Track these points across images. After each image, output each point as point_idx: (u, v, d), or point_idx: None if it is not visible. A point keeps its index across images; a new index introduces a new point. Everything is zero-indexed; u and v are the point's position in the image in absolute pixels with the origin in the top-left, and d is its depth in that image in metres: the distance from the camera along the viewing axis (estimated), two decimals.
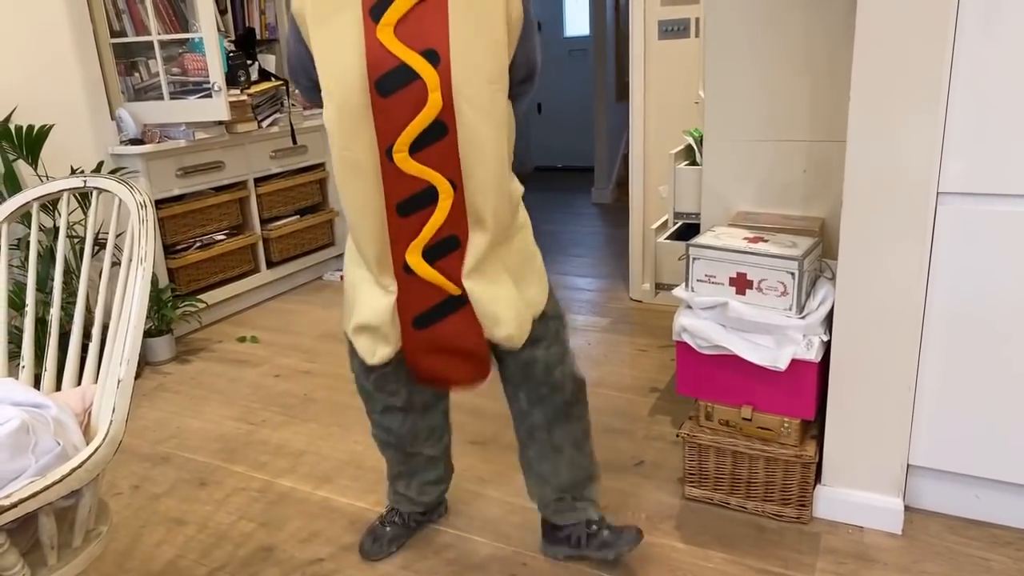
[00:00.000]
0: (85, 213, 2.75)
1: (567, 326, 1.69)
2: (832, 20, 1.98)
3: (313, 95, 1.43)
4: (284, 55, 1.60)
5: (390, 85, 1.30)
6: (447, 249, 1.44)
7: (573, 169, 7.34)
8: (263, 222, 3.84)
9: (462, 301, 1.47)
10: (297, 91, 1.54)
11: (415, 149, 1.34)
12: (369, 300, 1.52)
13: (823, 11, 1.99)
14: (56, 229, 2.76)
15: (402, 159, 1.35)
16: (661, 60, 3.39)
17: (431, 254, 1.43)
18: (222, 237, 3.62)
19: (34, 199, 1.63)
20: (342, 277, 4.20)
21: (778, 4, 2.04)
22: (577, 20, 7.25)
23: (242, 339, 3.41)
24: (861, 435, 1.88)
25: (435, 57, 1.30)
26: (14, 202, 1.63)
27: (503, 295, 1.49)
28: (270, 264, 3.90)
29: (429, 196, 1.38)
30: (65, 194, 1.63)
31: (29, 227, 2.15)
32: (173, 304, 3.21)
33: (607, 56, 5.92)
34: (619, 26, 6.17)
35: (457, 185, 1.38)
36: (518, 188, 1.54)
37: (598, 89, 5.93)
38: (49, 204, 2.75)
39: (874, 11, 1.61)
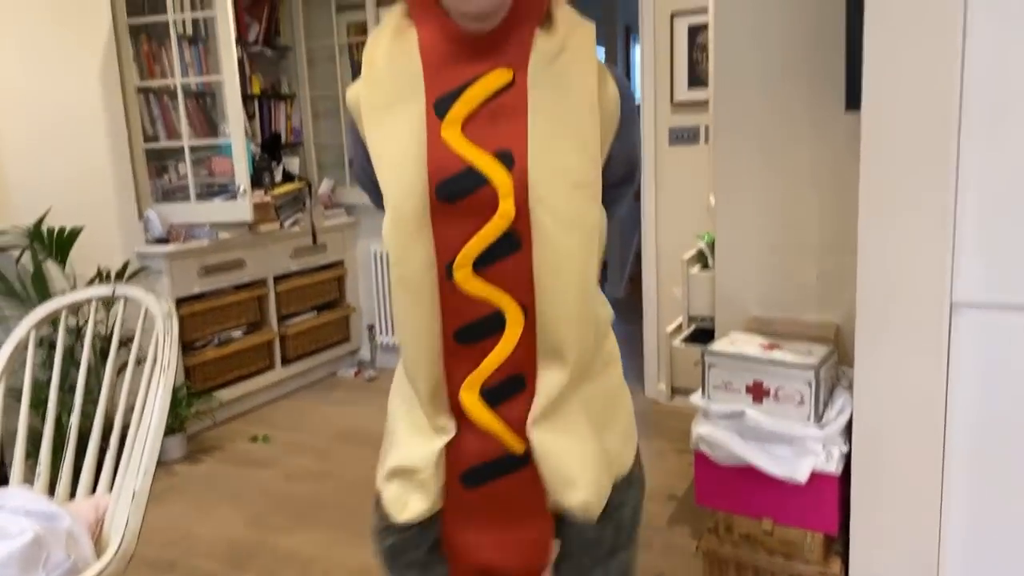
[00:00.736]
0: (107, 312, 2.81)
1: (644, 497, 1.33)
2: (836, 139, 2.05)
3: (378, 199, 1.19)
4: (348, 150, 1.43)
5: (454, 191, 1.08)
6: (511, 391, 1.15)
7: None
8: (280, 319, 3.89)
9: (524, 460, 1.15)
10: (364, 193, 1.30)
11: (480, 266, 1.10)
12: (413, 440, 1.21)
13: (826, 131, 2.06)
14: (79, 330, 2.80)
15: (464, 277, 1.10)
16: (672, 165, 3.49)
17: (492, 396, 1.14)
18: (239, 334, 3.66)
19: (64, 306, 1.67)
20: (356, 373, 4.21)
21: (781, 122, 2.12)
22: None
23: (254, 439, 3.39)
24: (888, 553, 1.82)
25: (509, 159, 1.07)
26: (44, 309, 1.67)
27: (580, 449, 1.16)
28: (285, 361, 3.92)
29: (494, 323, 1.13)
30: (93, 302, 1.67)
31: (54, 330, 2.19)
32: (188, 402, 3.22)
33: None
34: None
35: (529, 311, 1.12)
36: (607, 313, 1.25)
37: None
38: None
39: (880, 120, 1.67)
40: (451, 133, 1.08)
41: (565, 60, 1.08)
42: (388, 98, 1.11)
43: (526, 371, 1.13)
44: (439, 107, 1.08)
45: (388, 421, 1.29)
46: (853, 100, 1.74)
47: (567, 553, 1.26)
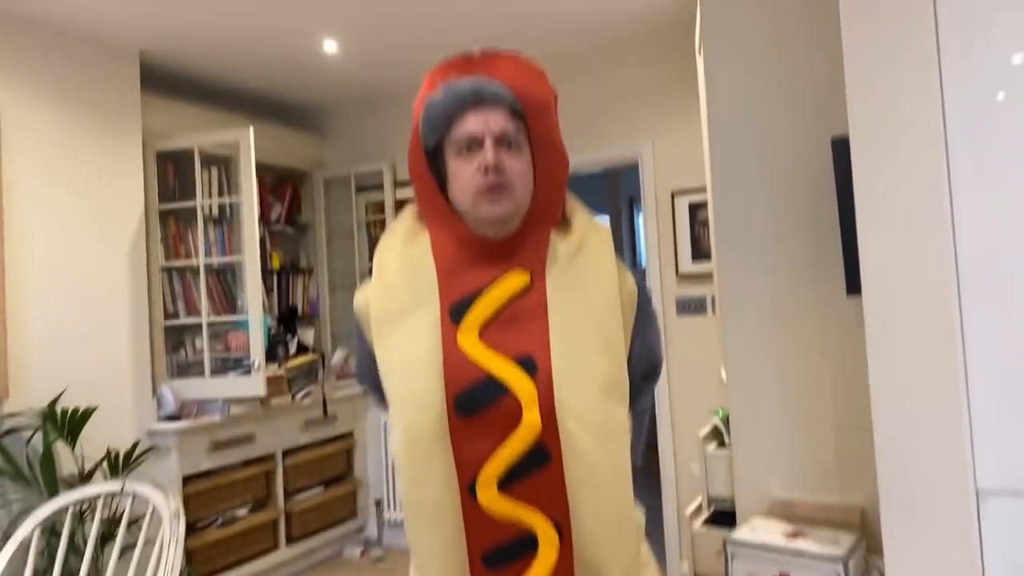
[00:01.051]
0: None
1: None
2: (842, 318, 2.08)
3: (382, 402, 1.14)
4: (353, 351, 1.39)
5: (474, 403, 1.01)
6: None
7: None
8: (287, 495, 3.79)
9: None
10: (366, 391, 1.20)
11: (507, 483, 1.01)
12: None
13: (830, 311, 2.10)
14: (81, 514, 2.74)
15: (489, 497, 1.00)
16: (681, 335, 3.53)
17: None
18: (244, 512, 3.55)
19: (71, 503, 1.65)
20: (362, 553, 4.04)
21: (786, 301, 2.17)
22: None
23: None
24: None
25: (532, 365, 1.01)
26: (50, 507, 1.64)
27: None
28: (290, 540, 3.78)
29: (526, 545, 1.01)
30: (101, 498, 1.65)
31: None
32: None
33: None
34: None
35: (564, 529, 1.01)
36: (641, 519, 1.17)
37: None
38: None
39: (881, 307, 1.70)
40: (468, 340, 1.03)
41: (583, 261, 1.09)
42: (400, 306, 1.07)
43: (545, 513, 1.02)
44: (454, 313, 1.04)
45: None
46: (853, 286, 1.79)
47: None
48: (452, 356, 1.02)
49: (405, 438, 1.03)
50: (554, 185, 1.10)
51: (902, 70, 1.66)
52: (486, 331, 1.04)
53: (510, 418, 1.00)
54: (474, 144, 1.05)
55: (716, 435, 2.53)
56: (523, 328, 1.04)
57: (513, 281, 1.06)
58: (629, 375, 1.10)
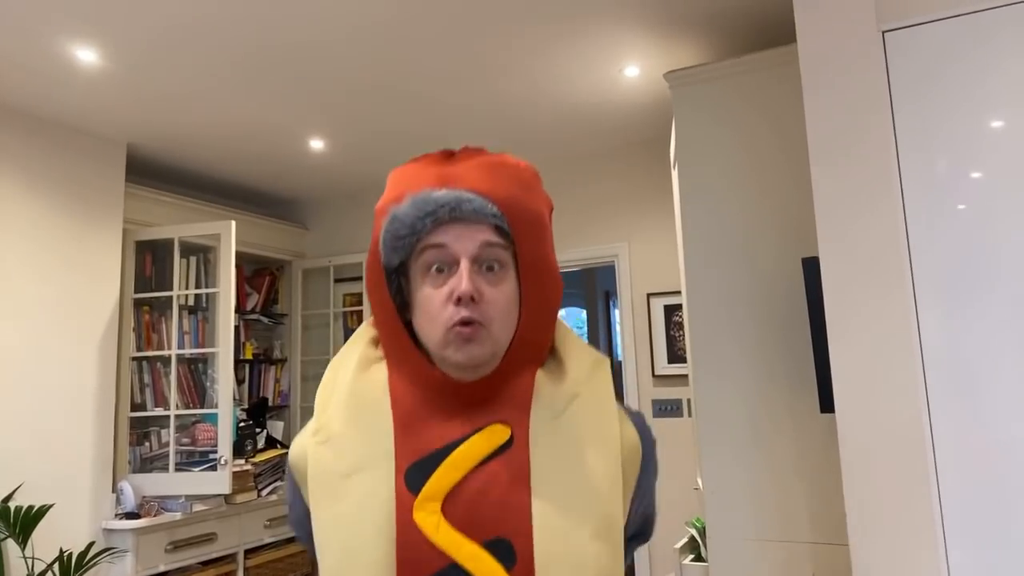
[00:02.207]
0: None
1: None
2: (816, 435, 2.10)
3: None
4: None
5: None
6: None
7: None
8: None
9: None
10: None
11: None
12: None
13: (805, 427, 2.12)
14: None
15: None
16: (657, 437, 3.51)
17: None
18: None
19: None
20: None
21: (761, 416, 2.18)
22: None
23: None
24: None
25: (509, 552, 0.78)
26: None
27: None
28: None
29: None
30: None
31: None
32: None
33: None
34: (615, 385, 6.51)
35: None
36: None
37: None
38: None
39: (854, 428, 1.71)
40: (428, 516, 0.79)
41: (577, 411, 0.84)
42: (345, 465, 0.82)
43: None
44: (412, 478, 0.80)
45: None
46: (826, 403, 1.81)
47: None
48: (407, 538, 0.78)
49: None
50: (544, 316, 0.87)
51: (867, 195, 1.73)
52: (452, 504, 0.79)
53: None
54: (446, 267, 0.83)
55: (693, 547, 2.49)
56: (500, 502, 0.79)
57: (489, 438, 0.81)
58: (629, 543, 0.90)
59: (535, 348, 0.86)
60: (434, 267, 0.83)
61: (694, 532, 2.46)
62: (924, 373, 1.68)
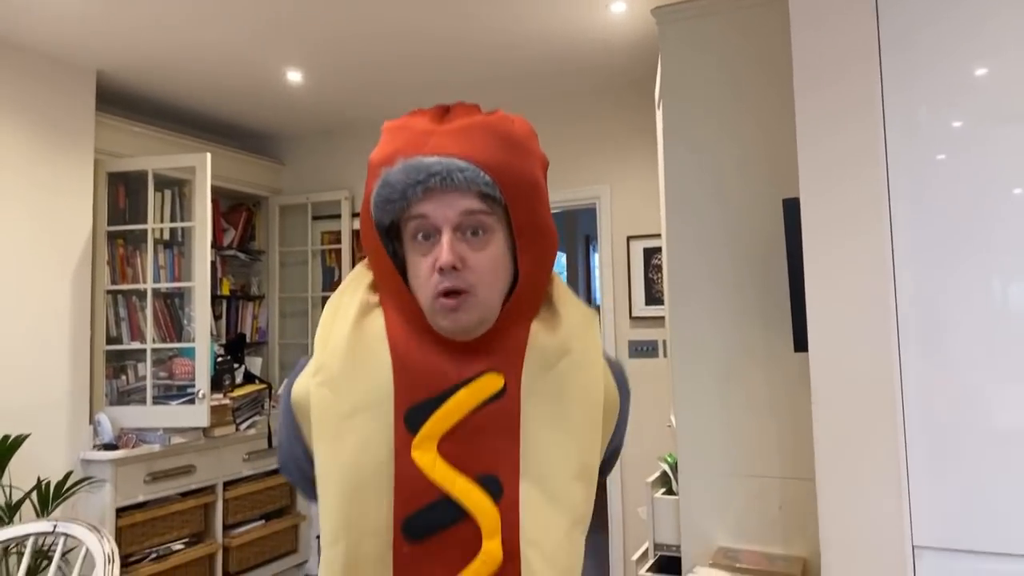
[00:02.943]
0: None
1: None
2: (789, 373, 2.14)
3: (310, 492, 0.96)
4: (277, 434, 1.19)
5: (426, 527, 0.85)
6: None
7: None
8: (226, 528, 3.67)
9: None
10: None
11: None
12: None
13: (779, 365, 2.16)
14: (5, 550, 2.61)
15: None
16: (632, 377, 3.57)
17: None
18: (181, 547, 3.43)
19: None
20: None
21: (736, 354, 2.22)
22: None
23: None
24: None
25: (496, 487, 0.86)
26: None
27: None
28: (227, 575, 3.65)
29: None
30: (31, 538, 1.58)
31: None
32: None
33: None
34: None
35: None
36: None
37: None
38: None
39: (826, 366, 1.75)
40: (424, 454, 0.85)
41: (568, 365, 0.90)
42: (347, 406, 0.87)
43: None
44: (411, 419, 0.85)
45: None
46: (800, 343, 1.85)
47: None
48: (405, 472, 0.85)
49: (342, 568, 0.86)
50: (539, 273, 0.90)
51: (849, 136, 1.73)
52: (447, 443, 0.85)
53: (466, 547, 0.84)
54: (431, 235, 0.86)
55: (664, 481, 2.56)
56: (490, 443, 0.86)
57: (485, 385, 0.87)
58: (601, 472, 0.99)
59: (531, 303, 0.90)
60: (420, 235, 0.86)
61: (666, 467, 2.53)
62: (897, 317, 1.72)
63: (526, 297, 0.90)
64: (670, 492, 2.48)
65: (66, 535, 1.55)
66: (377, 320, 0.90)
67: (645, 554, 2.53)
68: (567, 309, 0.93)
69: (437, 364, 0.87)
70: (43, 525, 1.58)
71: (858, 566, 1.71)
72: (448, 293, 0.84)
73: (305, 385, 0.90)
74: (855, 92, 1.74)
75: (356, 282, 0.94)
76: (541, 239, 0.90)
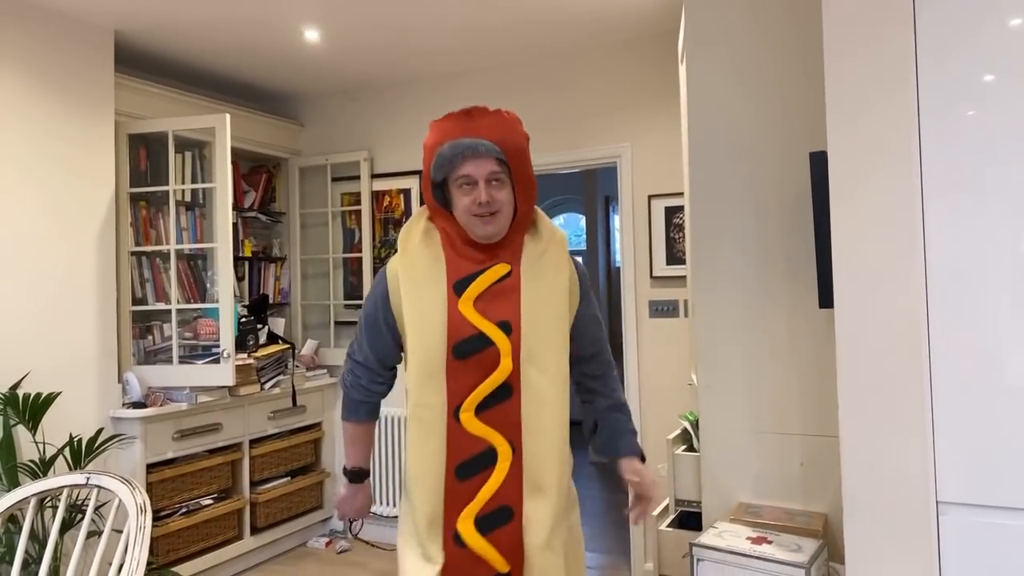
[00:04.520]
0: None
1: None
2: (813, 330, 2.12)
3: (375, 347, 1.57)
4: (361, 331, 1.62)
5: (467, 350, 1.45)
6: (500, 521, 1.43)
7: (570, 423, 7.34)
8: (253, 484, 3.76)
9: None
10: (355, 367, 1.63)
11: (481, 409, 1.44)
12: (413, 571, 1.48)
13: (803, 322, 2.14)
14: (41, 502, 2.69)
15: (467, 419, 1.44)
16: (652, 336, 3.56)
17: (484, 524, 1.43)
18: (209, 502, 3.52)
19: (34, 495, 1.62)
20: (327, 544, 4.02)
21: (759, 311, 2.20)
22: None
23: None
24: None
25: (508, 327, 1.46)
26: (12, 497, 1.61)
27: (565, 570, 1.46)
28: (255, 530, 3.75)
29: (488, 458, 1.44)
30: (65, 490, 1.62)
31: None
32: None
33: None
34: (611, 290, 6.57)
35: (516, 448, 1.45)
36: (571, 458, 1.54)
37: None
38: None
39: (852, 324, 1.73)
40: (466, 307, 1.48)
41: (546, 259, 1.54)
42: (422, 277, 1.50)
43: (514, 503, 1.44)
44: (457, 288, 1.49)
45: (398, 558, 1.54)
46: (825, 300, 1.82)
47: None
48: (454, 316, 1.47)
49: (418, 371, 1.45)
50: (529, 207, 1.55)
51: (881, 88, 1.69)
52: (478, 302, 1.48)
53: (490, 363, 1.45)
54: (470, 183, 1.48)
55: (685, 438, 2.57)
56: (504, 302, 1.49)
57: (498, 270, 1.51)
58: (587, 332, 1.60)
59: (524, 224, 1.56)
60: (464, 185, 1.49)
61: (687, 424, 2.53)
62: (926, 271, 1.69)
63: (522, 220, 1.54)
64: (690, 449, 2.49)
65: (99, 487, 1.58)
66: (435, 234, 1.55)
67: (666, 510, 2.56)
68: (546, 230, 1.58)
69: (471, 256, 1.52)
70: (76, 477, 1.62)
71: (881, 522, 1.71)
72: (483, 215, 1.48)
73: (395, 267, 1.54)
74: (887, 44, 1.68)
75: (419, 216, 1.59)
76: (530, 186, 1.55)
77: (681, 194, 3.49)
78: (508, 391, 1.44)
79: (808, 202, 2.13)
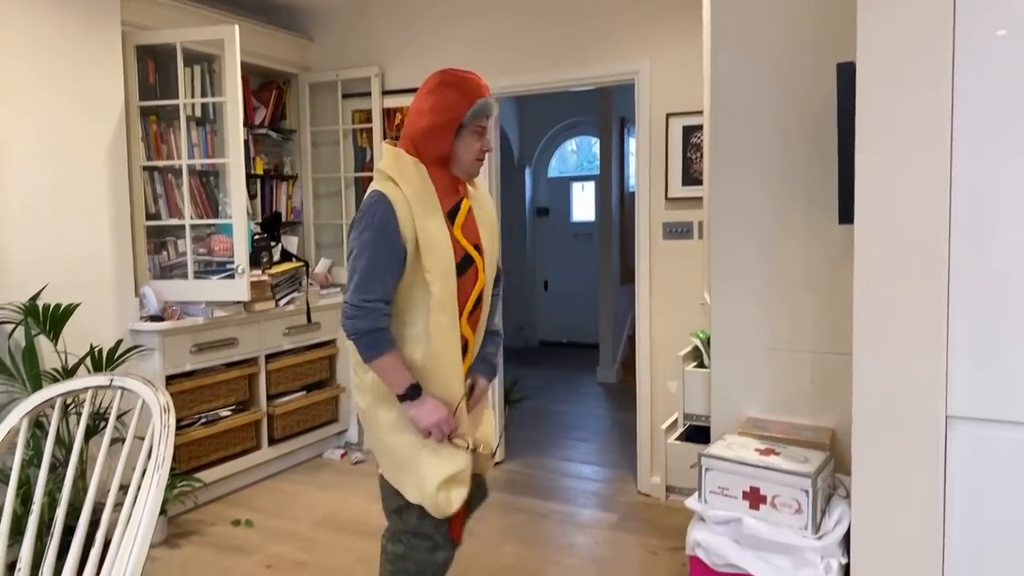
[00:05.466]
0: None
1: None
2: (830, 247, 2.10)
3: (383, 308, 1.78)
4: (371, 259, 1.78)
5: (463, 267, 1.84)
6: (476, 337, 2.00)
7: (578, 345, 7.45)
8: (270, 398, 3.85)
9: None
10: (363, 297, 1.77)
11: (468, 315, 1.89)
12: (450, 453, 1.83)
13: (820, 238, 2.12)
14: (65, 408, 2.76)
15: (463, 323, 1.87)
16: (666, 258, 3.55)
17: (464, 347, 1.93)
18: (228, 413, 3.61)
19: (58, 395, 1.66)
20: (342, 455, 4.14)
21: (777, 228, 2.18)
22: (582, 207, 7.68)
23: (236, 522, 3.30)
24: None
25: (480, 248, 1.90)
26: (37, 398, 1.65)
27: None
28: (272, 441, 3.86)
29: (463, 352, 1.91)
30: (89, 392, 1.66)
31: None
32: (171, 484, 3.14)
33: (612, 243, 6.21)
34: (623, 215, 6.52)
35: (471, 345, 1.96)
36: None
37: (603, 273, 6.15)
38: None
39: (872, 238, 1.71)
40: (457, 232, 1.86)
41: (481, 193, 2.01)
42: (428, 206, 1.81)
43: (476, 333, 1.97)
44: (450, 216, 1.86)
45: (400, 452, 1.86)
46: (846, 215, 1.80)
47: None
48: (454, 241, 1.84)
49: (442, 281, 1.79)
50: None
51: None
52: (462, 228, 1.88)
53: (474, 278, 1.89)
54: (481, 131, 1.86)
55: (696, 356, 2.59)
56: (472, 228, 1.91)
57: (466, 202, 1.91)
58: (498, 257, 2.06)
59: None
60: (478, 131, 1.86)
61: (698, 342, 2.55)
62: (950, 190, 1.65)
63: None
64: (701, 367, 2.51)
65: (122, 388, 1.62)
66: (423, 170, 1.84)
67: (674, 424, 2.60)
68: (480, 183, 2.05)
69: (446, 191, 1.87)
70: (100, 379, 1.65)
71: (889, 435, 1.73)
72: (482, 158, 1.90)
73: (398, 195, 1.78)
74: None
75: (401, 152, 1.85)
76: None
77: (700, 112, 3.41)
78: (479, 301, 1.90)
79: (832, 118, 2.08)
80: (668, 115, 3.50)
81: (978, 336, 1.67)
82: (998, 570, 1.69)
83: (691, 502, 1.96)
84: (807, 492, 1.81)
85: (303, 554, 2.99)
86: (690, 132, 3.47)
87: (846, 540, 1.82)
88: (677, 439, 2.52)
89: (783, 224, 2.18)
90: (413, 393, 1.79)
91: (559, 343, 7.70)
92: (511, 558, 2.92)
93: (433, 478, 1.79)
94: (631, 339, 6.13)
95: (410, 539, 1.88)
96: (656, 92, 3.52)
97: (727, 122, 2.24)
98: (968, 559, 1.71)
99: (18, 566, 1.53)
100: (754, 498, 1.87)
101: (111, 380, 1.64)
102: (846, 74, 1.80)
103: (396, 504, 1.87)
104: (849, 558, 1.80)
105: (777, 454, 1.93)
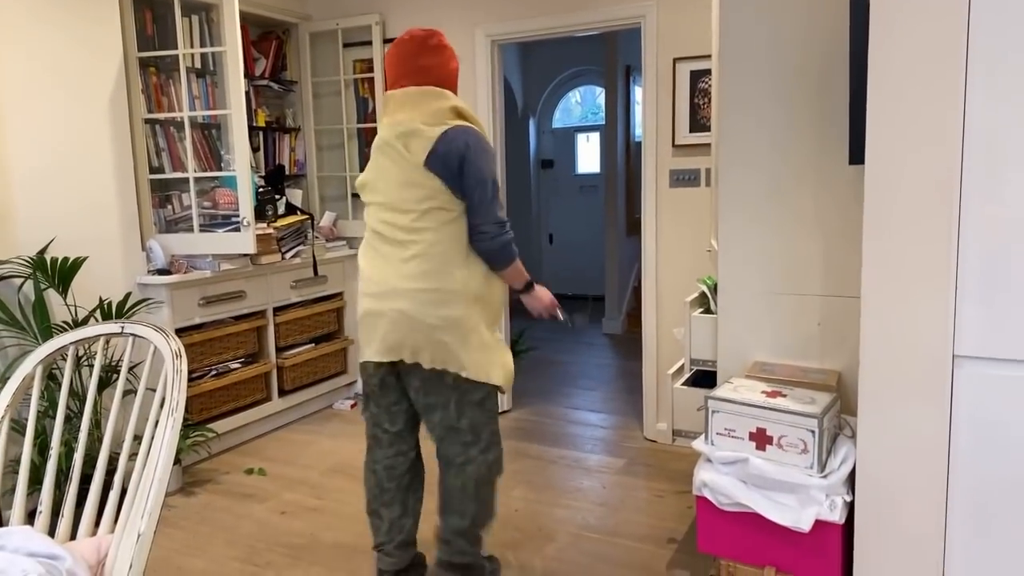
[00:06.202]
0: (108, 344, 2.79)
1: None
2: (839, 189, 2.08)
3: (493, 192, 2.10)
4: (497, 184, 2.11)
5: None
6: None
7: (583, 297, 7.46)
8: (278, 350, 3.88)
9: None
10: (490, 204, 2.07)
11: None
12: (504, 345, 2.22)
13: (830, 180, 2.10)
14: (78, 359, 2.79)
15: None
16: (672, 205, 3.53)
17: None
18: (237, 365, 3.65)
19: (71, 343, 1.67)
20: (352, 406, 4.19)
21: (785, 170, 2.16)
22: (587, 158, 7.60)
23: (249, 471, 3.36)
24: None
25: None
26: (50, 346, 1.67)
27: None
28: (282, 392, 3.90)
29: None
30: (101, 339, 1.67)
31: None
32: (184, 434, 3.19)
33: (617, 194, 6.17)
34: (629, 165, 6.46)
35: None
36: None
37: (609, 224, 6.12)
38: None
39: (883, 177, 1.70)
40: None
41: None
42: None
43: None
44: None
45: (491, 344, 2.13)
46: (857, 155, 1.78)
47: None
48: None
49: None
50: None
51: None
52: None
53: None
54: None
55: (703, 302, 2.59)
56: None
57: None
58: None
59: None
60: None
61: (704, 288, 2.55)
62: (963, 132, 1.63)
63: None
64: (707, 312, 2.52)
65: (133, 335, 1.63)
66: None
67: (680, 370, 2.62)
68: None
69: None
70: (112, 327, 1.67)
71: (897, 375, 1.74)
72: None
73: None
74: None
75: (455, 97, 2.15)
76: None
77: (708, 56, 3.35)
78: None
79: (843, 59, 2.04)
80: (675, 60, 3.43)
81: (987, 276, 1.66)
82: (1001, 507, 1.71)
83: (698, 444, 1.98)
84: (813, 432, 1.82)
85: (315, 500, 3.05)
86: (698, 77, 3.41)
87: (851, 479, 1.84)
88: (683, 384, 2.53)
89: (792, 167, 2.16)
90: (531, 285, 2.21)
91: (564, 295, 7.72)
92: (521, 502, 2.97)
93: (509, 359, 2.19)
94: (636, 290, 6.14)
95: (492, 429, 2.17)
96: (663, 36, 3.45)
97: (736, 65, 2.20)
98: (972, 496, 1.73)
99: (39, 511, 1.57)
100: (760, 439, 1.89)
101: (122, 327, 1.65)
102: (859, 8, 1.75)
103: (480, 395, 2.12)
104: (854, 496, 1.83)
105: (784, 396, 1.94)
